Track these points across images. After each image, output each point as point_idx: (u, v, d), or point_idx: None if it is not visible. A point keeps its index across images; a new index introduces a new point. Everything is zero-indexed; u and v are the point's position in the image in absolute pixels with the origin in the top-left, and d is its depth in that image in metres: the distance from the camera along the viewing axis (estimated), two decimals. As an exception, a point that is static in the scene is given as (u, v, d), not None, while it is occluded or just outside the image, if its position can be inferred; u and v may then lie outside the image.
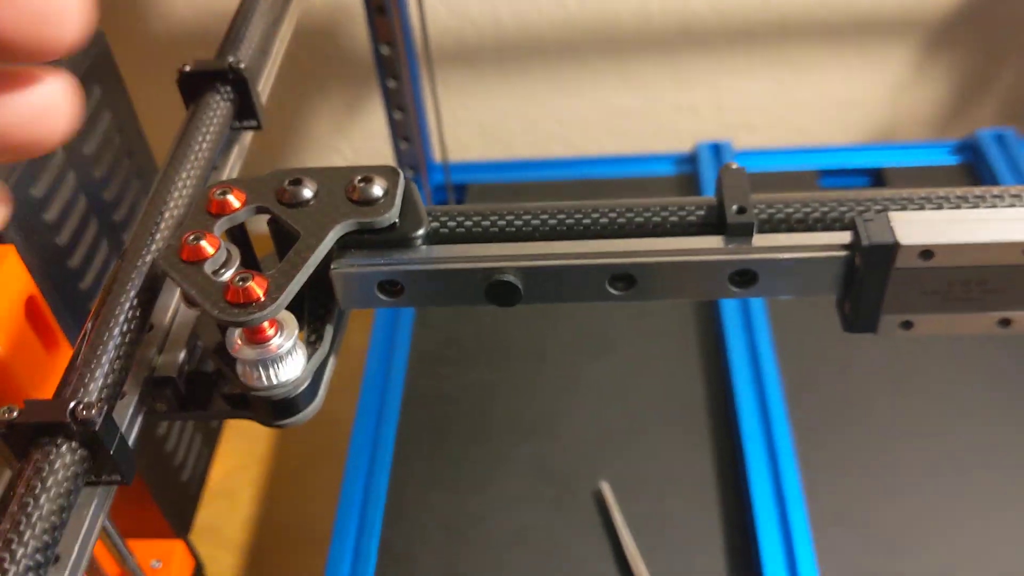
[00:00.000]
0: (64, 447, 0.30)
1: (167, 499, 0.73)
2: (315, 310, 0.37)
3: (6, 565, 0.28)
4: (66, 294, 0.59)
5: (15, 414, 0.30)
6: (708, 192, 0.88)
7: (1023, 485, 0.66)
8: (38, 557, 0.29)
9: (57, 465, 0.30)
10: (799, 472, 0.66)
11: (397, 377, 0.79)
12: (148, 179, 0.70)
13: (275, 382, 0.34)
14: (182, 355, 0.37)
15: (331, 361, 0.37)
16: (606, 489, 0.68)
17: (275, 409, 0.35)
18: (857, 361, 0.75)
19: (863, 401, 0.72)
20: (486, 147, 1.10)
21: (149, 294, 0.36)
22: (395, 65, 0.84)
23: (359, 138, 1.11)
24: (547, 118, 1.10)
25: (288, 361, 0.34)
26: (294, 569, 0.84)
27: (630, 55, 1.05)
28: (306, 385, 0.35)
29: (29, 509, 0.29)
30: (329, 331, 0.37)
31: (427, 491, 0.70)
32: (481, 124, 1.09)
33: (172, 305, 0.38)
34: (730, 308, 0.77)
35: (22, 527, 0.29)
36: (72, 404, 0.30)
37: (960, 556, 0.63)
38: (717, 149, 0.94)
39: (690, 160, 0.94)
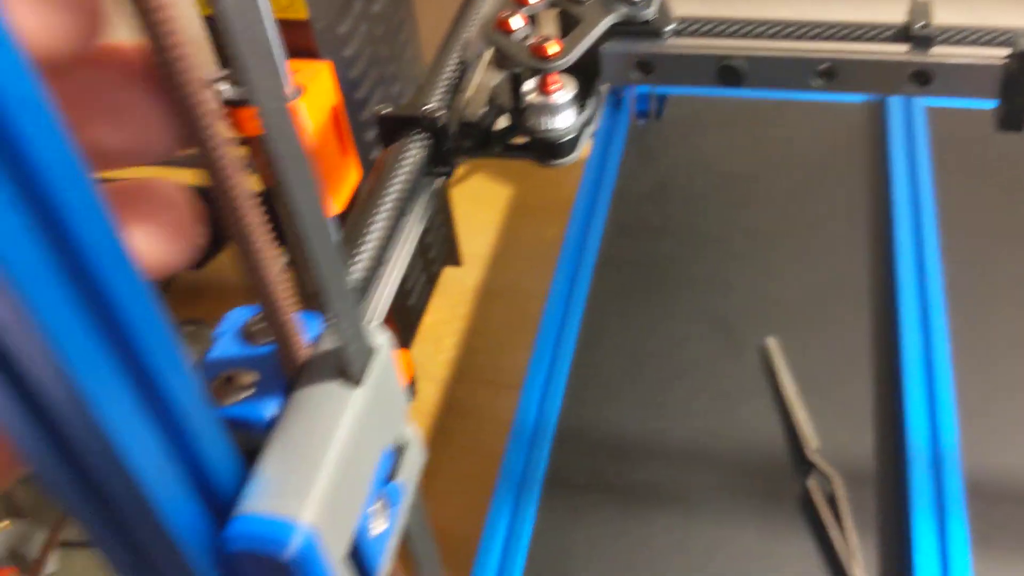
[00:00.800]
0: (416, 137, 0.44)
1: (398, 313, 0.88)
2: (584, 86, 0.49)
3: (379, 205, 0.42)
4: (351, 119, 0.74)
5: (388, 109, 0.44)
6: (895, 121, 0.96)
7: None
8: (397, 207, 0.42)
9: (411, 148, 0.43)
10: (949, 345, 0.74)
11: (592, 245, 0.91)
12: (413, 49, 0.85)
13: (553, 127, 0.47)
14: (482, 111, 0.49)
15: (589, 129, 0.49)
16: (772, 343, 0.78)
17: (548, 150, 0.47)
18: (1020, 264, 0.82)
19: (1020, 299, 0.80)
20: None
21: (463, 65, 0.49)
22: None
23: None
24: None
25: (564, 113, 0.47)
26: (485, 403, 0.98)
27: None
28: (573, 136, 0.47)
29: (392, 178, 0.43)
30: (591, 103, 0.49)
31: (615, 332, 0.82)
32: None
33: (475, 80, 0.51)
34: (902, 210, 0.86)
35: (386, 187, 0.43)
36: (423, 107, 0.44)
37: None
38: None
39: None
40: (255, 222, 0.21)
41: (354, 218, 0.41)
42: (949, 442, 0.68)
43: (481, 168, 1.25)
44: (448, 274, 1.08)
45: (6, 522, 0.70)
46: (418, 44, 0.87)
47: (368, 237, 0.40)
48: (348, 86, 0.73)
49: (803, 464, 0.70)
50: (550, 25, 0.49)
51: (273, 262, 0.22)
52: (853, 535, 0.65)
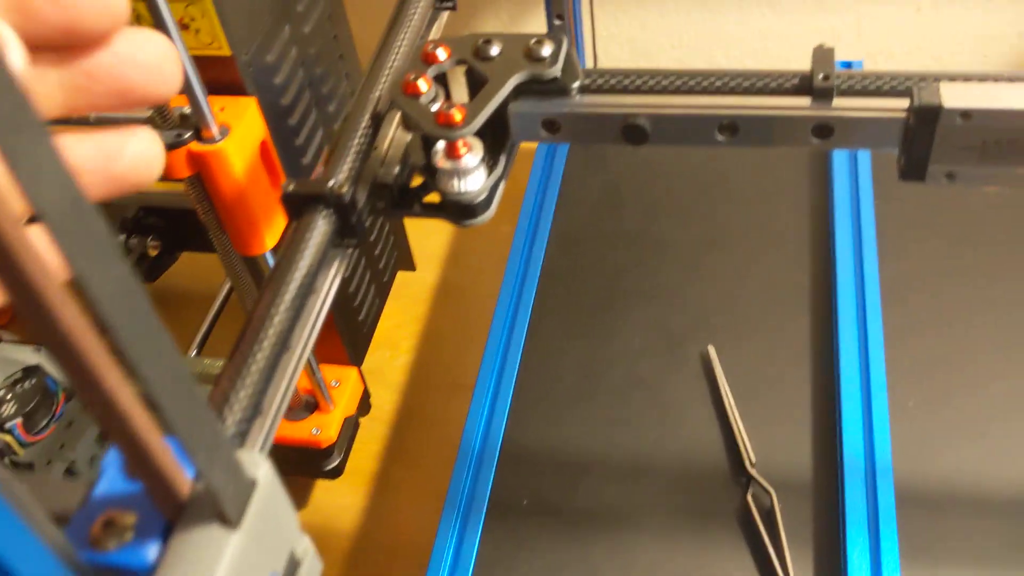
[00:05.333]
0: (323, 212, 0.44)
1: (348, 332, 0.88)
2: (494, 144, 0.49)
3: (283, 286, 0.42)
4: (285, 147, 0.73)
5: (292, 187, 0.44)
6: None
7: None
8: (302, 284, 0.42)
9: (317, 224, 0.44)
10: (884, 359, 0.75)
11: (538, 255, 0.91)
12: (349, 61, 0.84)
13: (464, 190, 0.47)
14: (396, 169, 0.49)
15: (502, 184, 0.49)
16: (712, 351, 0.79)
17: (462, 212, 0.48)
18: (956, 278, 0.83)
19: (955, 313, 0.81)
20: (633, 59, 1.20)
21: (375, 123, 0.49)
22: (558, -24, 0.95)
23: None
24: (692, 36, 1.19)
25: (474, 175, 0.47)
26: (443, 407, 0.98)
27: (777, -21, 1.13)
28: (485, 196, 0.47)
29: (297, 254, 0.43)
30: (503, 160, 0.49)
31: (561, 342, 0.83)
32: (630, 38, 1.19)
33: (389, 135, 0.51)
34: (843, 224, 0.86)
35: (291, 267, 0.43)
36: (329, 183, 0.44)
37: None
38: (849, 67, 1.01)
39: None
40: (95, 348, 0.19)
41: (256, 303, 0.41)
42: (883, 456, 0.69)
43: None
44: (402, 277, 1.08)
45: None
46: (354, 54, 0.86)
47: (272, 321, 0.40)
48: (280, 114, 0.72)
49: (742, 478, 0.71)
50: (461, 81, 0.49)
51: (124, 388, 0.20)
52: (787, 551, 0.66)
